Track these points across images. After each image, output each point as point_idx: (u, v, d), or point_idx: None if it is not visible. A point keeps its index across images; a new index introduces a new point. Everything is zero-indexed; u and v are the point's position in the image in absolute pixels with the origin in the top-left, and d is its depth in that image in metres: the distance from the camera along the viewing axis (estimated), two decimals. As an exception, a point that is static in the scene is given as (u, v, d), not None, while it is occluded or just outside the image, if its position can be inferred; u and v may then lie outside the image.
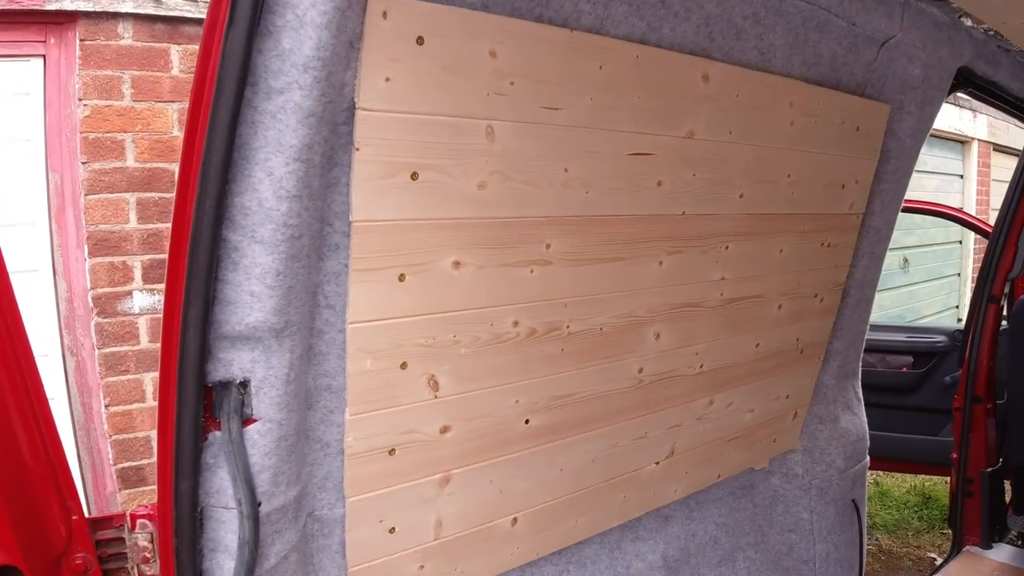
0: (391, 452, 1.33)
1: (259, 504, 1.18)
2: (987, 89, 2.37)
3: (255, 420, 1.15)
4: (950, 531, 3.56)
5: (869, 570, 4.43)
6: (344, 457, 1.30)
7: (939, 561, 4.19)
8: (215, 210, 1.02)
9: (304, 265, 1.12)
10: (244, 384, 1.12)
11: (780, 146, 1.81)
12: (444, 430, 1.38)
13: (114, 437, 3.11)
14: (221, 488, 1.15)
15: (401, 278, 1.22)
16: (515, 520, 1.60)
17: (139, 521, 1.23)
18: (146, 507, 1.24)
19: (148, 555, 1.23)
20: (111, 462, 3.12)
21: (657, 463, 1.87)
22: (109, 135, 3.06)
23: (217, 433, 1.13)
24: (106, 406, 3.09)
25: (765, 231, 1.85)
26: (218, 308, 1.07)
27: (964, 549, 3.42)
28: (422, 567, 1.48)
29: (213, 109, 1.00)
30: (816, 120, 1.87)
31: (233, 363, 1.10)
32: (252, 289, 1.06)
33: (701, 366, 1.84)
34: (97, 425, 3.15)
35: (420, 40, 1.13)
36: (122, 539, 1.23)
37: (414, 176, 1.18)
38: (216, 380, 1.11)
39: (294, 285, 1.10)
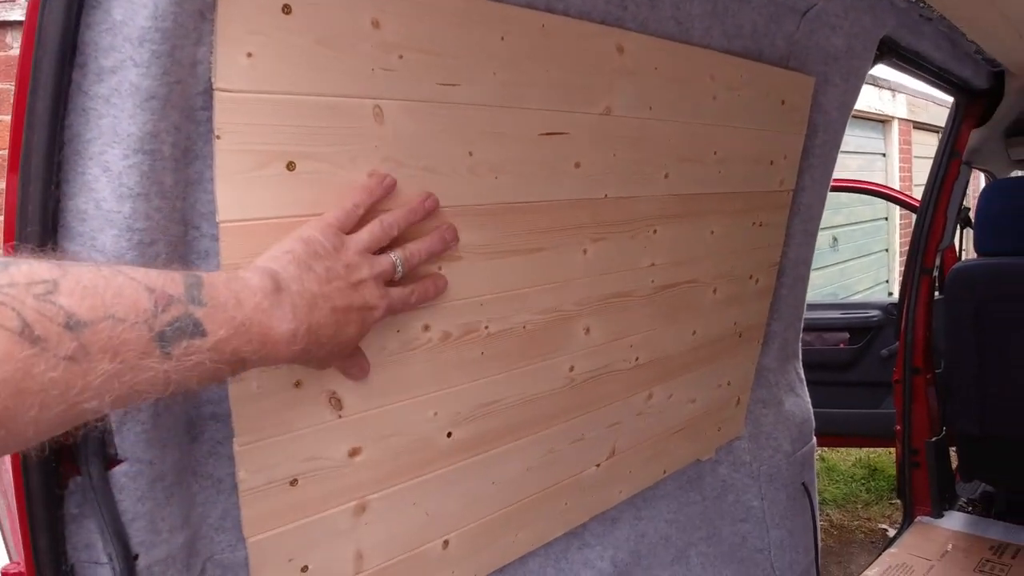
0: (293, 483, 1.17)
1: (135, 556, 1.01)
2: (911, 59, 2.36)
3: (121, 461, 0.98)
4: (899, 502, 3.58)
5: (823, 546, 4.44)
6: (238, 493, 1.14)
7: (891, 532, 4.23)
8: (42, 217, 0.85)
9: None
10: (102, 419, 0.96)
11: (704, 122, 1.72)
12: (353, 453, 1.23)
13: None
14: (91, 541, 0.98)
15: (285, 285, 1.06)
16: (446, 543, 1.45)
17: (12, 579, 1.06)
18: (17, 564, 1.07)
19: (25, 620, 1.06)
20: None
21: (598, 465, 1.75)
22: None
23: (78, 478, 0.97)
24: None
25: (694, 212, 1.76)
26: None
27: (916, 520, 3.44)
28: (344, 606, 1.33)
29: (31, 95, 0.84)
30: (740, 94, 1.79)
31: None
32: None
33: (637, 359, 1.74)
34: (6, 483, 2.88)
35: (287, 8, 0.98)
36: (-8, 601, 1.06)
37: (290, 166, 1.03)
38: None
39: None
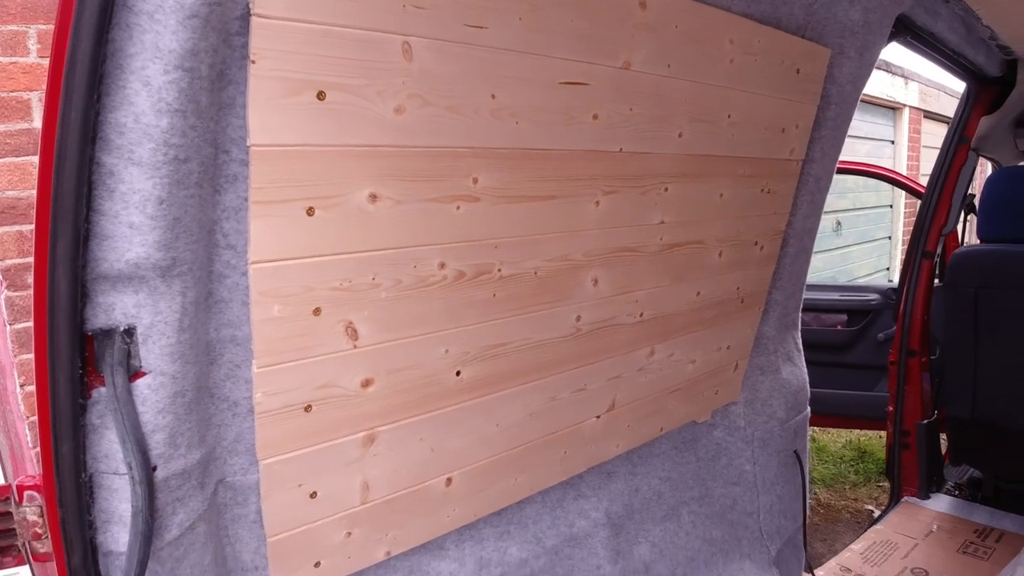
0: (307, 409, 1.21)
1: (154, 468, 1.05)
2: (925, 39, 2.37)
3: (144, 373, 1.02)
4: (887, 483, 3.64)
5: (809, 523, 4.52)
6: (254, 416, 1.18)
7: (876, 513, 4.30)
8: (82, 126, 0.87)
9: (194, 195, 0.99)
10: (129, 332, 0.99)
11: (720, 84, 1.73)
12: (366, 384, 1.27)
13: (32, 418, 2.89)
14: (110, 452, 1.02)
15: (310, 212, 1.10)
16: (449, 480, 1.50)
17: (27, 493, 1.09)
18: (33, 477, 1.10)
19: (39, 531, 1.09)
20: (30, 446, 2.90)
21: (598, 417, 1.79)
22: (14, 95, 2.80)
23: (102, 389, 1.00)
24: (21, 385, 2.86)
25: (705, 173, 1.78)
26: (94, 243, 0.93)
27: (902, 500, 3.50)
28: (349, 533, 1.38)
29: (78, 8, 0.86)
30: (756, 59, 1.81)
31: (115, 307, 0.97)
32: (131, 220, 0.92)
33: (641, 314, 1.77)
34: (13, 407, 2.92)
35: None
36: (9, 514, 1.09)
37: (320, 96, 1.05)
38: (96, 328, 0.97)
39: (181, 216, 0.97)
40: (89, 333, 0.97)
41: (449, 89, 1.20)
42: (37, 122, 2.82)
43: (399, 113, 1.14)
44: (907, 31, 2.25)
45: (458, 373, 1.40)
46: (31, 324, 2.90)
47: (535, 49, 1.30)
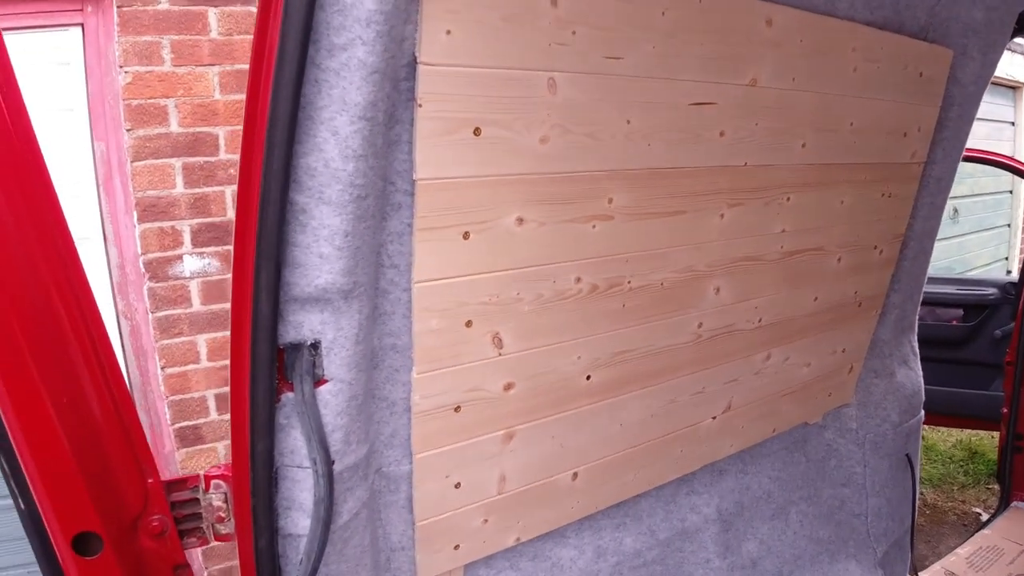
0: (456, 409, 1.34)
1: (333, 463, 1.20)
2: None
3: (327, 381, 1.16)
4: (996, 486, 3.52)
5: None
6: (411, 415, 1.31)
7: (984, 516, 4.16)
8: (283, 172, 1.00)
9: (370, 225, 1.12)
10: (315, 346, 1.13)
11: (843, 93, 1.75)
12: (508, 387, 1.38)
13: (170, 398, 3.19)
14: (295, 448, 1.16)
15: (465, 236, 1.21)
16: (575, 475, 1.61)
17: (213, 482, 1.26)
18: (219, 468, 1.27)
19: (223, 515, 1.26)
20: (169, 422, 3.21)
21: (714, 418, 1.86)
22: (152, 101, 3.07)
23: (290, 395, 1.14)
24: (162, 368, 3.16)
25: (827, 181, 1.80)
26: (287, 271, 1.07)
27: (1012, 504, 3.38)
28: (486, 521, 1.51)
29: (277, 68, 0.98)
30: (879, 66, 1.80)
31: (304, 325, 1.11)
32: (321, 251, 1.06)
33: (759, 320, 1.82)
34: (154, 387, 3.24)
35: None
36: (197, 500, 1.25)
37: (476, 132, 1.16)
38: (288, 342, 1.11)
39: (361, 246, 1.10)
40: (281, 347, 1.11)
41: (588, 117, 1.28)
42: (174, 127, 3.08)
43: (543, 143, 1.24)
44: None
45: (588, 377, 1.50)
46: (172, 312, 3.18)
47: (667, 74, 1.37)
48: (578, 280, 1.38)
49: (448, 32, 1.10)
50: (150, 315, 3.08)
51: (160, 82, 3.06)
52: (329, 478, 1.17)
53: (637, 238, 1.44)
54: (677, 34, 1.35)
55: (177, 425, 3.18)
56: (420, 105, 1.11)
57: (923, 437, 5.35)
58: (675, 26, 1.34)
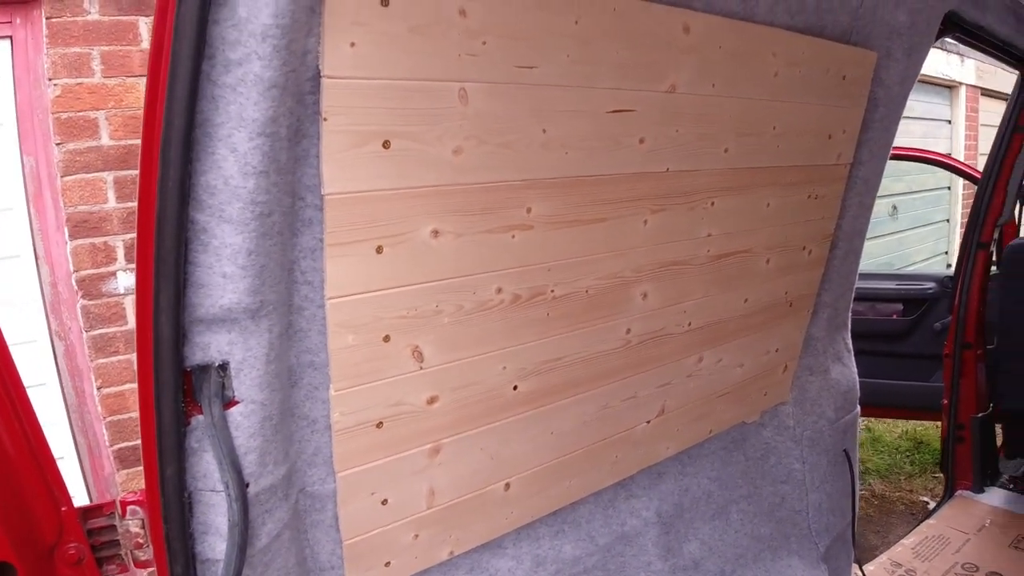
0: (379, 425, 1.32)
1: (247, 485, 1.17)
2: (975, 34, 2.33)
3: (237, 402, 1.13)
4: (942, 475, 3.62)
5: (863, 515, 4.51)
6: (332, 433, 1.29)
7: (931, 505, 4.27)
8: (179, 190, 0.98)
9: (277, 242, 1.09)
10: (223, 367, 1.10)
11: (765, 98, 1.77)
12: (431, 401, 1.37)
13: (108, 419, 3.10)
14: (208, 472, 1.14)
15: (379, 250, 1.19)
16: (508, 485, 1.60)
17: (129, 507, 1.23)
18: (135, 493, 1.24)
19: (141, 540, 1.23)
20: (107, 444, 3.11)
21: (648, 422, 1.87)
22: (82, 114, 2.99)
23: (199, 417, 1.12)
24: (98, 388, 3.07)
25: (751, 185, 1.83)
26: (191, 291, 1.04)
27: (956, 493, 3.48)
28: (416, 536, 1.49)
29: (170, 85, 0.96)
30: (801, 70, 1.84)
31: (211, 346, 1.08)
32: (224, 270, 1.03)
33: (690, 324, 1.83)
34: (91, 408, 3.14)
35: (385, 1, 1.09)
36: (113, 527, 1.23)
37: (386, 144, 1.15)
38: (195, 364, 1.09)
39: (267, 264, 1.08)
40: (188, 369, 1.08)
41: (503, 127, 1.28)
42: (105, 140, 3.00)
43: (457, 154, 1.23)
44: (956, 28, 2.22)
45: (515, 387, 1.49)
46: (107, 331, 3.09)
47: (583, 82, 1.37)
48: (499, 290, 1.37)
49: (352, 44, 1.08)
50: (84, 334, 3.00)
51: (90, 94, 2.98)
52: (243, 501, 1.15)
53: (559, 246, 1.44)
54: (592, 42, 1.36)
55: (116, 446, 3.09)
56: (325, 119, 1.09)
57: (870, 429, 5.48)
58: (590, 34, 1.35)
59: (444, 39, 1.17)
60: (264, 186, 1.03)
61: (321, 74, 1.07)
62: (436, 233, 1.25)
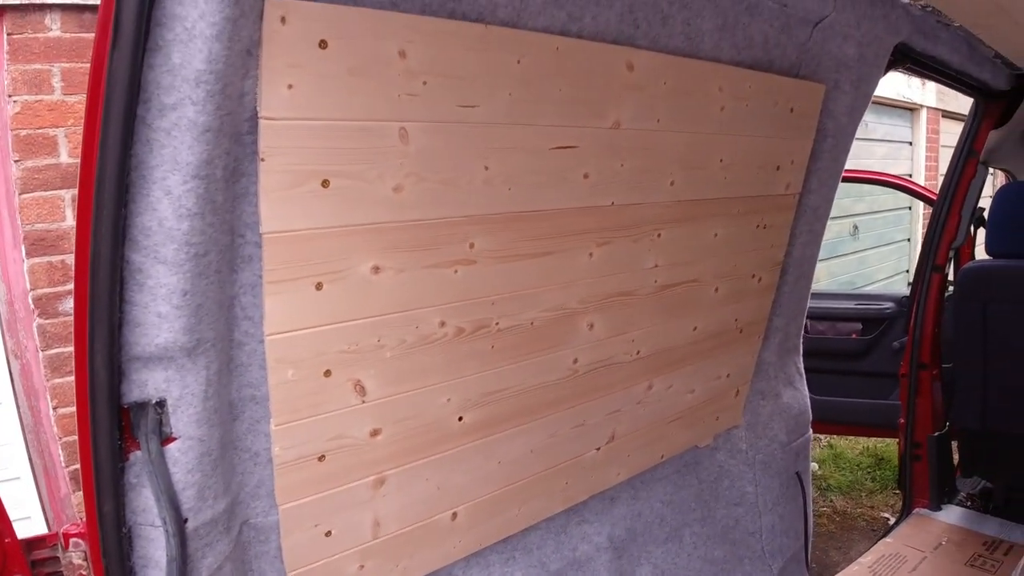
0: (320, 459, 1.33)
1: (185, 520, 1.17)
2: (926, 64, 2.37)
3: (175, 438, 1.14)
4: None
5: (824, 531, 4.56)
6: (273, 467, 1.30)
7: (892, 521, 4.34)
8: (112, 232, 0.99)
9: (214, 281, 1.10)
10: (160, 403, 1.11)
11: (711, 131, 1.81)
12: (374, 433, 1.38)
13: (64, 439, 3.05)
14: (147, 507, 1.14)
15: (318, 286, 1.21)
16: (455, 514, 1.61)
17: (72, 540, 1.24)
18: (78, 525, 1.24)
19: (84, 572, 1.24)
20: (63, 465, 3.06)
21: (598, 449, 1.89)
22: (41, 131, 2.96)
23: (138, 453, 1.12)
24: (54, 408, 3.03)
25: (698, 216, 1.87)
26: (127, 330, 1.05)
27: (914, 511, 3.53)
28: (362, 566, 1.49)
29: (104, 128, 0.97)
30: (748, 103, 1.88)
31: (147, 383, 1.09)
32: (159, 310, 1.04)
33: (638, 352, 1.86)
34: (47, 428, 3.09)
35: (323, 44, 1.11)
36: (57, 558, 1.24)
37: (325, 183, 1.16)
38: (132, 401, 1.09)
39: (204, 303, 1.08)
40: (125, 406, 1.09)
41: (444, 165, 1.30)
42: (64, 157, 2.97)
43: (398, 192, 1.25)
44: (907, 59, 2.26)
45: (460, 418, 1.51)
46: (63, 350, 3.05)
47: (525, 120, 1.40)
48: (443, 324, 1.39)
49: (290, 86, 1.10)
50: (40, 353, 2.95)
51: (50, 111, 2.95)
52: (181, 536, 1.15)
53: (502, 280, 1.46)
54: (534, 81, 1.39)
55: (72, 467, 3.05)
56: (263, 159, 1.11)
57: (831, 446, 5.55)
58: (532, 73, 1.38)
59: (383, 80, 1.19)
60: (199, 227, 1.04)
61: (258, 115, 1.08)
62: (377, 269, 1.27)
